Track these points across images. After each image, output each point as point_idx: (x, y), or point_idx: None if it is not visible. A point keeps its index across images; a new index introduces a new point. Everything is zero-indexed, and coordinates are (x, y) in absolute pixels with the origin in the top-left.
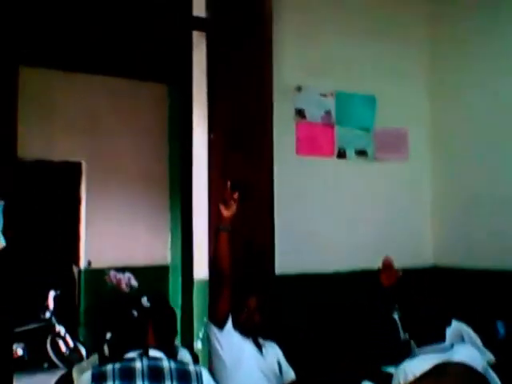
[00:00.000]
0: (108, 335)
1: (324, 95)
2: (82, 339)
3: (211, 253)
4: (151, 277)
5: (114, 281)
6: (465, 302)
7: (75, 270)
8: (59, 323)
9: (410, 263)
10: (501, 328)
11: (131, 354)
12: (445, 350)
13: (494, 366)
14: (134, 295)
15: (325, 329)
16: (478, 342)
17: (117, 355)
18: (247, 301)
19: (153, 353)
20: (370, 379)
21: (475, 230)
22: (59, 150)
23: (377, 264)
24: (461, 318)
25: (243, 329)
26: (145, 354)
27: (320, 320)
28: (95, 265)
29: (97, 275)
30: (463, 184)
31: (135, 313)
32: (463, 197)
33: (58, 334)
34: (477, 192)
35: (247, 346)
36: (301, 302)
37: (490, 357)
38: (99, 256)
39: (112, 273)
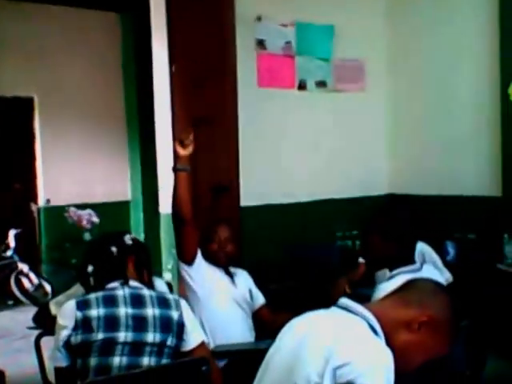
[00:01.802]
0: (90, 268)
1: (284, 25)
2: (45, 276)
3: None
4: (112, 212)
5: (75, 218)
6: (417, 225)
7: (34, 207)
8: (22, 261)
9: (365, 192)
10: (450, 248)
11: (113, 284)
12: (417, 271)
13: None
14: (96, 231)
15: (288, 256)
16: (439, 261)
17: (99, 286)
18: (217, 231)
19: (133, 283)
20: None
21: (428, 160)
22: (9, 85)
23: (336, 194)
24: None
25: (214, 259)
26: (125, 283)
27: (283, 247)
28: (54, 202)
29: (56, 212)
30: (417, 116)
31: (114, 249)
32: (416, 128)
33: (22, 272)
34: (429, 124)
35: (218, 276)
36: (265, 232)
37: (448, 276)
38: (58, 193)
39: (72, 210)
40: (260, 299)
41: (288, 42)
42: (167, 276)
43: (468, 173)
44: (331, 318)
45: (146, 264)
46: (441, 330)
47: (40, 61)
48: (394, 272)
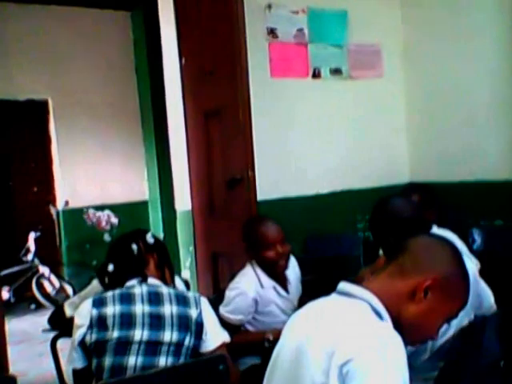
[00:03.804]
0: (110, 267)
1: (295, 12)
2: (66, 278)
3: None
4: (131, 213)
5: (94, 219)
6: (441, 214)
7: (53, 210)
8: (42, 264)
9: (386, 181)
10: (477, 236)
11: (131, 282)
12: None
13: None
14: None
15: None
16: (465, 249)
17: (117, 284)
18: (267, 233)
19: (151, 281)
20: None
21: (448, 146)
22: (23, 89)
23: (355, 185)
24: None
25: (272, 269)
26: (144, 281)
27: (304, 241)
28: (73, 204)
29: (75, 215)
30: (436, 101)
31: (134, 247)
32: (436, 114)
33: (43, 275)
34: (449, 109)
35: (271, 297)
36: (285, 226)
37: (476, 262)
38: (76, 195)
39: (91, 211)
40: (299, 291)
41: (300, 30)
42: (185, 274)
43: (491, 157)
44: (332, 308)
45: (167, 262)
46: (450, 286)
47: (53, 63)
48: None
